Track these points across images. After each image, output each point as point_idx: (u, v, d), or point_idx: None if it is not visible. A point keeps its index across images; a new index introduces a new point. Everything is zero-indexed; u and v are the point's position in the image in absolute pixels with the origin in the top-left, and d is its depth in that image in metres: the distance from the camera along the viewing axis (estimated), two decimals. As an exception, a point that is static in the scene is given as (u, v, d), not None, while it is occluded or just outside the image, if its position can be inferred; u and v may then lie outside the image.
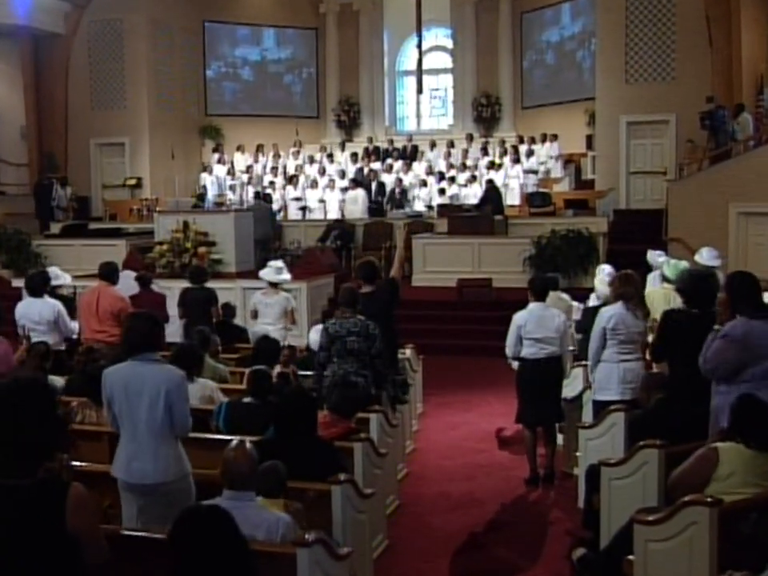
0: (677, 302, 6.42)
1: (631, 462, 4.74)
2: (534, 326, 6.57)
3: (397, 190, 17.65)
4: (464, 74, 21.50)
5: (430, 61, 22.22)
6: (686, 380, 5.07)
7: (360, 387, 5.70)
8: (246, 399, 5.56)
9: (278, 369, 6.71)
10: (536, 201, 16.00)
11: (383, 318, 6.50)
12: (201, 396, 5.99)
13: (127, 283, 10.95)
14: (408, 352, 8.70)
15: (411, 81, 21.81)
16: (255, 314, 8.99)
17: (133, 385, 4.16)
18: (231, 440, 5.09)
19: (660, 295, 7.11)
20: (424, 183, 17.77)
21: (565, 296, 8.74)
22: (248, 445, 3.76)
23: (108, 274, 8.20)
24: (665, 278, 7.35)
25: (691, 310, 5.34)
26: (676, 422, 4.85)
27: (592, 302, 8.26)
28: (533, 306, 6.72)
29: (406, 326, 10.69)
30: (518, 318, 6.68)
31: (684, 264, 7.52)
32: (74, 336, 7.97)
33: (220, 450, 4.78)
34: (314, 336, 7.58)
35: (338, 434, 5.09)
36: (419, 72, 19.23)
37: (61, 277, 8.90)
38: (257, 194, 16.22)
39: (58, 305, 7.82)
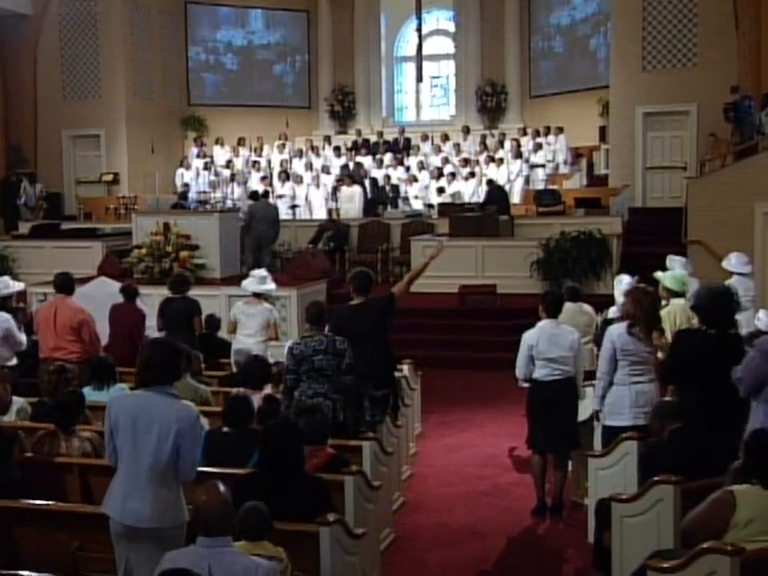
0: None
1: (644, 499, 4.72)
2: (547, 344, 6.55)
3: (387, 187, 17.64)
4: (467, 61, 21.50)
5: (431, 46, 22.25)
6: (701, 408, 5.06)
7: (323, 409, 5.68)
8: (226, 428, 5.55)
9: (267, 389, 6.69)
10: (544, 199, 15.98)
11: (370, 336, 6.50)
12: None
13: (104, 290, 10.93)
14: (405, 368, 8.69)
15: (410, 68, 21.84)
16: (235, 327, 8.97)
17: (141, 418, 4.09)
18: (211, 473, 5.19)
19: (681, 311, 7.06)
20: (415, 179, 17.75)
21: (588, 308, 8.72)
22: (220, 486, 3.72)
23: (64, 285, 8.13)
24: (671, 293, 7.31)
25: (708, 330, 5.34)
26: (692, 455, 4.84)
27: (612, 313, 8.25)
28: (543, 323, 6.69)
29: (403, 337, 10.67)
30: (529, 337, 6.65)
31: (681, 273, 7.52)
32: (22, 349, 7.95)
33: (200, 483, 4.83)
34: None
35: (321, 463, 5.08)
36: (419, 58, 19.25)
37: (10, 286, 8.82)
38: (254, 193, 16.20)
39: (9, 319, 7.79)
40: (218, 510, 3.62)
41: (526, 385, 6.85)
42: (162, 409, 4.10)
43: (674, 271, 7.56)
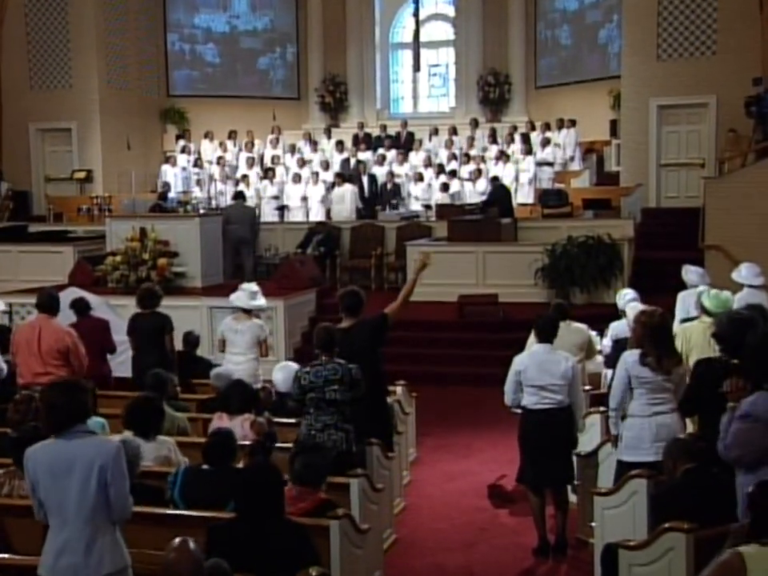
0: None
1: (654, 547, 4.70)
2: (536, 371, 6.55)
3: (389, 186, 17.58)
4: (468, 48, 21.49)
5: (429, 32, 22.26)
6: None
7: (327, 449, 5.67)
8: (206, 466, 5.52)
9: (250, 417, 6.65)
10: (550, 199, 15.94)
11: (362, 360, 6.50)
12: (156, 456, 5.97)
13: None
14: (399, 390, 8.67)
15: (407, 56, 21.86)
16: (224, 345, 8.96)
17: (59, 465, 4.10)
18: (188, 515, 5.17)
19: (699, 332, 7.00)
20: (420, 177, 17.71)
21: (578, 325, 8.65)
22: (191, 544, 3.73)
23: (48, 304, 8.10)
24: (704, 310, 7.26)
25: (730, 360, 5.30)
26: (709, 498, 4.80)
27: (622, 332, 8.17)
28: (535, 347, 6.73)
29: (396, 351, 10.67)
30: (518, 362, 6.70)
31: (726, 294, 7.39)
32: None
33: (176, 526, 4.81)
34: (279, 375, 7.64)
35: (308, 508, 5.05)
36: (416, 45, 19.27)
37: None
38: (238, 194, 16.14)
39: None
40: (187, 570, 3.61)
41: (518, 411, 6.84)
42: (79, 449, 4.13)
43: (719, 291, 7.46)
